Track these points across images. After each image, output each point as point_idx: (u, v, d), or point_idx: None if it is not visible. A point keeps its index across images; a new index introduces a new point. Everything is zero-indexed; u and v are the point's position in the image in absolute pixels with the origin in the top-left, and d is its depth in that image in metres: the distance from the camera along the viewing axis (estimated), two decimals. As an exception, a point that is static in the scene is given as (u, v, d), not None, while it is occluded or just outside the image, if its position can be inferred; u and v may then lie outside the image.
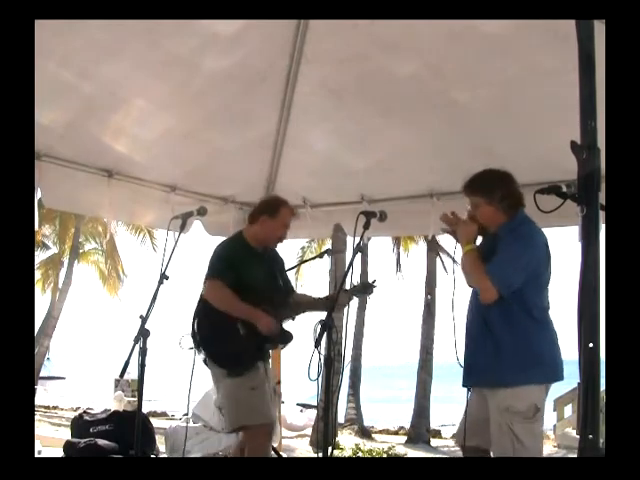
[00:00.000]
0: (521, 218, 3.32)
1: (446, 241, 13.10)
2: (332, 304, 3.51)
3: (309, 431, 13.78)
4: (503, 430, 3.09)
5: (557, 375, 3.25)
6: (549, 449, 12.25)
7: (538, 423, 3.16)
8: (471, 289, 3.38)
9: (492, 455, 3.18)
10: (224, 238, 4.59)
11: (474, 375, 3.31)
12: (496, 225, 3.32)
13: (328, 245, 14.08)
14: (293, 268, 4.27)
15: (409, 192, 5.31)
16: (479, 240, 3.42)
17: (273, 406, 4.11)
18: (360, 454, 9.94)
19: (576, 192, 1.77)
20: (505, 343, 3.18)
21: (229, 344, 3.90)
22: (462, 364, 3.33)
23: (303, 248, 18.13)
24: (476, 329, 3.32)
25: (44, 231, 21.04)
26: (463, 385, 3.38)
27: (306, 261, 14.88)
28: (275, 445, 5.25)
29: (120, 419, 5.83)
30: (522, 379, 3.13)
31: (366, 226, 3.45)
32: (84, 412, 6.15)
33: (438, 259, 16.75)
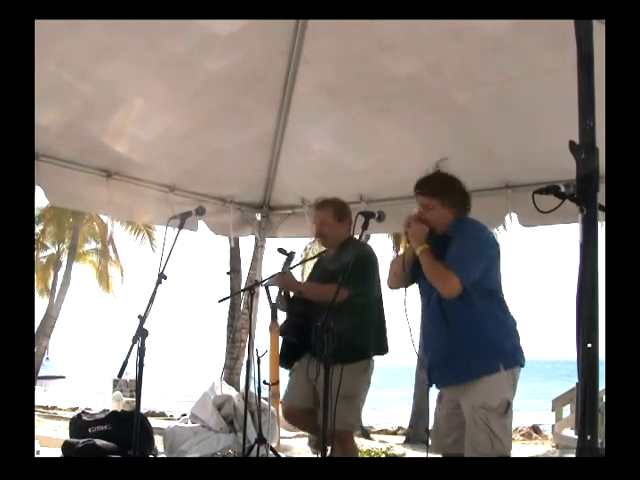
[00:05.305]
0: (466, 216, 3.45)
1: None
2: None
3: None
4: (480, 426, 3.12)
5: (519, 360, 3.28)
6: (547, 449, 12.24)
7: (510, 419, 3.22)
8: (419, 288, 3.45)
9: (466, 450, 3.19)
10: (227, 238, 4.51)
11: (441, 375, 3.39)
12: (444, 225, 3.39)
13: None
14: (293, 267, 4.27)
15: (408, 192, 5.27)
16: None
17: None
18: (359, 454, 9.93)
19: (575, 192, 1.77)
20: (465, 335, 3.21)
21: None
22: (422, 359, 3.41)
23: (306, 249, 18.14)
24: (433, 326, 3.34)
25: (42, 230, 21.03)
26: (433, 385, 3.47)
27: (305, 261, 14.90)
28: (274, 445, 5.24)
29: (118, 419, 5.79)
30: (488, 368, 3.17)
31: (365, 226, 3.45)
32: (82, 412, 6.12)
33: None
